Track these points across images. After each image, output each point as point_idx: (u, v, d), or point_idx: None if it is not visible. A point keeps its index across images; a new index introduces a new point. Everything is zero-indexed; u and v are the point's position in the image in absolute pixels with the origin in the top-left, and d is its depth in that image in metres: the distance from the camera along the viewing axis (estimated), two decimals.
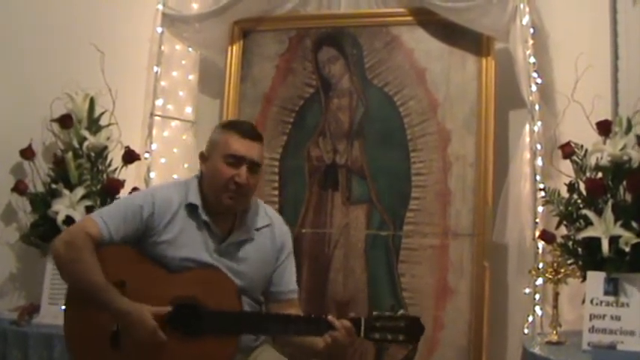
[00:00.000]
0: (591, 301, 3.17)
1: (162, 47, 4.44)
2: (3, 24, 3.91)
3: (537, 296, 3.65)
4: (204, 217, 2.78)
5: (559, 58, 3.98)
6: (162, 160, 4.42)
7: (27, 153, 3.89)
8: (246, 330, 2.74)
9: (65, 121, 3.95)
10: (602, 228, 3.18)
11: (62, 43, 4.08)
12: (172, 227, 2.77)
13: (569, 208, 3.41)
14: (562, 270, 3.33)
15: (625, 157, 3.26)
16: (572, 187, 3.43)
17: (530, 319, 3.65)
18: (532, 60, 3.83)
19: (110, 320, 2.64)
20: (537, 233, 3.63)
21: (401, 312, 2.68)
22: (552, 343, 3.24)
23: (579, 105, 3.52)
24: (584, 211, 3.28)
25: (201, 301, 2.67)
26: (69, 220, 3.70)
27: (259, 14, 4.46)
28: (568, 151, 3.47)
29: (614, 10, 3.83)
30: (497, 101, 4.02)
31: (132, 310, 2.61)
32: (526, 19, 3.86)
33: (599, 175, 3.36)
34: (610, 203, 3.20)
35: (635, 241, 3.11)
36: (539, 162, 3.75)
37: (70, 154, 3.86)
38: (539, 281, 3.60)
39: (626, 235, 3.12)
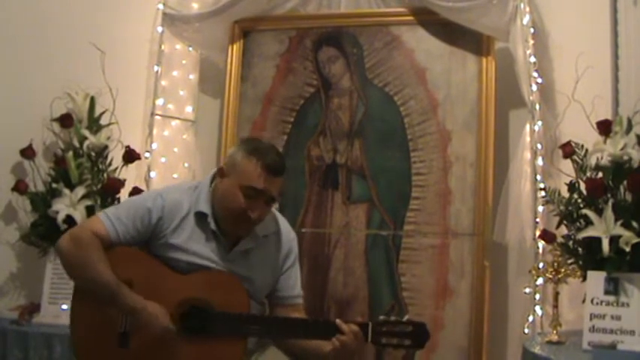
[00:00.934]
0: (591, 301, 3.17)
1: (163, 47, 4.44)
2: (3, 23, 3.91)
3: (537, 296, 3.64)
4: (213, 226, 2.76)
5: (559, 58, 3.97)
6: (163, 160, 4.42)
7: (27, 152, 3.89)
8: (255, 333, 2.74)
9: (65, 121, 3.96)
10: (603, 228, 3.17)
11: (62, 43, 4.08)
12: (181, 232, 2.76)
13: (570, 208, 3.40)
14: (562, 270, 3.33)
15: (625, 157, 3.26)
16: (572, 187, 3.43)
17: (531, 318, 3.65)
18: (532, 60, 3.83)
19: (117, 320, 2.64)
20: (537, 233, 3.63)
21: (407, 317, 2.69)
22: (552, 342, 3.24)
23: (580, 105, 3.52)
24: (585, 211, 3.27)
25: (210, 302, 2.67)
26: (69, 220, 3.71)
27: (259, 14, 4.47)
28: (568, 150, 3.47)
29: (614, 10, 3.83)
30: (497, 101, 4.02)
31: (144, 306, 2.61)
32: (526, 19, 3.86)
33: (600, 174, 3.36)
34: (610, 203, 3.20)
35: (635, 240, 3.10)
36: (539, 162, 3.75)
37: (70, 154, 3.86)
38: (540, 281, 3.60)
39: (627, 234, 3.12)
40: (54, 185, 3.85)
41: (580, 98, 3.55)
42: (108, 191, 3.88)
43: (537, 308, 3.64)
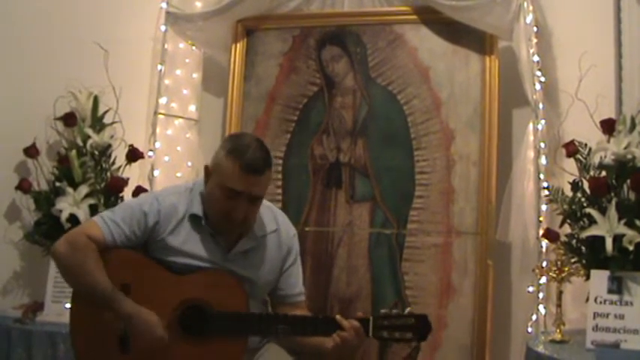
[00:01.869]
0: (595, 300, 3.17)
1: (166, 45, 4.44)
2: (6, 23, 3.91)
3: (541, 295, 3.64)
4: (208, 228, 2.75)
5: (563, 57, 3.97)
6: (166, 159, 4.42)
7: (31, 151, 3.90)
8: (254, 331, 2.73)
9: (69, 120, 3.96)
10: (606, 226, 3.18)
11: (66, 42, 4.08)
12: (178, 234, 2.74)
13: (573, 207, 3.41)
14: (566, 268, 3.33)
15: (629, 156, 3.26)
16: (575, 186, 3.43)
17: (534, 317, 3.65)
18: (536, 58, 3.84)
19: (118, 322, 2.62)
20: (541, 232, 3.63)
21: (408, 310, 2.68)
22: (556, 341, 3.25)
23: (583, 103, 3.52)
24: (588, 210, 3.28)
25: (209, 303, 2.66)
26: (73, 219, 3.72)
27: (263, 13, 4.46)
28: (572, 149, 3.47)
29: (618, 9, 3.82)
30: (500, 100, 4.01)
31: (138, 313, 2.59)
32: (530, 18, 3.86)
33: (603, 173, 3.36)
34: (614, 202, 3.20)
35: (638, 239, 3.11)
36: (542, 160, 3.75)
37: (73, 153, 3.86)
38: (543, 280, 3.60)
39: (630, 233, 3.12)
40: (57, 184, 3.86)
41: (583, 97, 3.55)
42: (111, 190, 3.89)
43: (541, 307, 3.64)
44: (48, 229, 3.78)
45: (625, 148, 3.26)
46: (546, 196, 3.64)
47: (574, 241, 3.38)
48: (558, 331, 3.28)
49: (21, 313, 3.63)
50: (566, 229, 3.46)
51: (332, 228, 4.20)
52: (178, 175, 4.42)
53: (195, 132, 4.56)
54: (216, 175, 2.69)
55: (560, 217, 3.48)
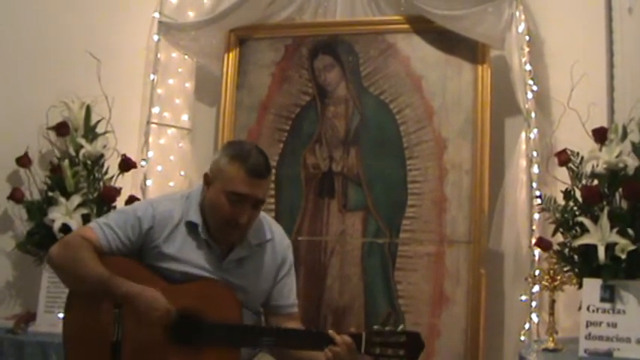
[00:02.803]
0: (587, 308, 3.17)
1: (159, 55, 4.44)
2: None
3: (534, 303, 3.65)
4: (204, 236, 2.74)
5: (555, 66, 3.98)
6: (159, 168, 4.41)
7: (23, 161, 3.89)
8: (247, 343, 2.71)
9: (61, 129, 3.96)
10: (598, 235, 3.18)
11: (58, 51, 4.08)
12: (173, 242, 2.73)
13: (565, 216, 3.41)
14: (558, 277, 3.33)
15: (620, 165, 3.27)
16: (568, 195, 3.44)
17: (527, 326, 3.65)
18: (528, 67, 3.85)
19: (109, 330, 2.61)
20: (533, 240, 3.63)
21: (401, 327, 2.67)
22: (549, 350, 3.25)
23: (575, 112, 3.53)
24: (580, 219, 3.28)
25: (202, 313, 2.65)
26: (65, 228, 3.70)
27: (255, 22, 4.47)
28: (564, 158, 3.48)
29: (609, 19, 3.84)
30: (492, 109, 4.03)
31: (140, 291, 2.58)
32: (522, 27, 3.87)
33: (595, 182, 3.37)
34: (606, 210, 3.21)
35: (631, 248, 3.11)
36: (535, 169, 3.76)
37: (66, 162, 3.86)
38: (536, 288, 3.60)
39: (622, 242, 3.12)
40: (50, 194, 3.84)
41: (575, 106, 3.56)
42: (104, 200, 3.88)
43: (533, 316, 3.64)
44: (40, 238, 3.77)
45: (617, 156, 3.27)
46: (539, 204, 3.64)
47: (566, 250, 3.39)
48: (551, 339, 3.28)
49: (13, 324, 3.61)
50: (559, 237, 3.46)
51: (325, 237, 4.20)
52: (171, 184, 4.42)
53: (187, 141, 4.56)
54: (218, 182, 2.69)
55: (553, 226, 3.48)
